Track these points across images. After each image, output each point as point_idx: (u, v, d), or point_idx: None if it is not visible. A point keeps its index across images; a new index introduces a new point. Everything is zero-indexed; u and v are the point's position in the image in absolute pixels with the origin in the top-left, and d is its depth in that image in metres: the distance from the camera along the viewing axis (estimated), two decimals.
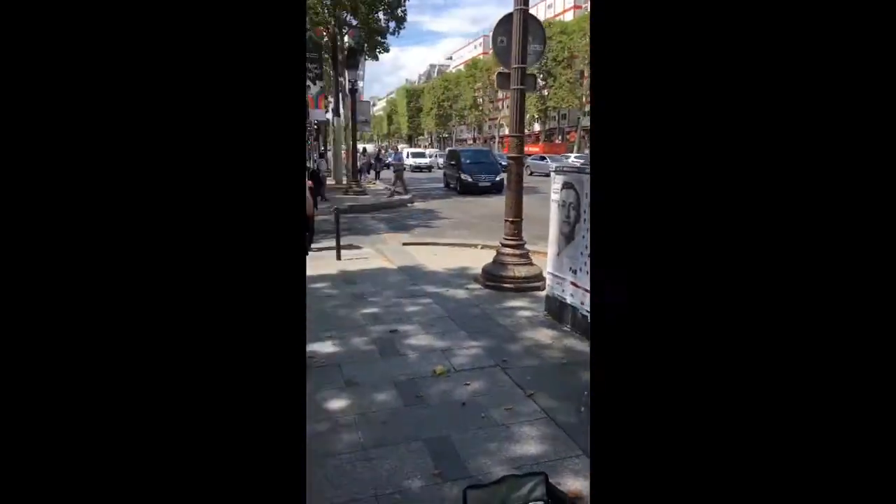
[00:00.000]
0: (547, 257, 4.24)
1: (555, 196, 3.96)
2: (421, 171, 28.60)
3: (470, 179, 15.49)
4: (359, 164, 16.73)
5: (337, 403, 2.71)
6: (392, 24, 16.75)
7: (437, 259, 6.18)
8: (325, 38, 17.37)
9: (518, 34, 4.55)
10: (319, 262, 5.88)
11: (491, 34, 5.12)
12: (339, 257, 6.11)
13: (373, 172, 21.75)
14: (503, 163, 13.81)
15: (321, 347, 3.44)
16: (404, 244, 7.21)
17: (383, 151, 27.37)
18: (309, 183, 5.07)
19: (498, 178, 14.84)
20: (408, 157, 31.14)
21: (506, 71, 4.88)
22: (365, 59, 18.36)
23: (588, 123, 40.10)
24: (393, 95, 79.86)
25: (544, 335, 3.66)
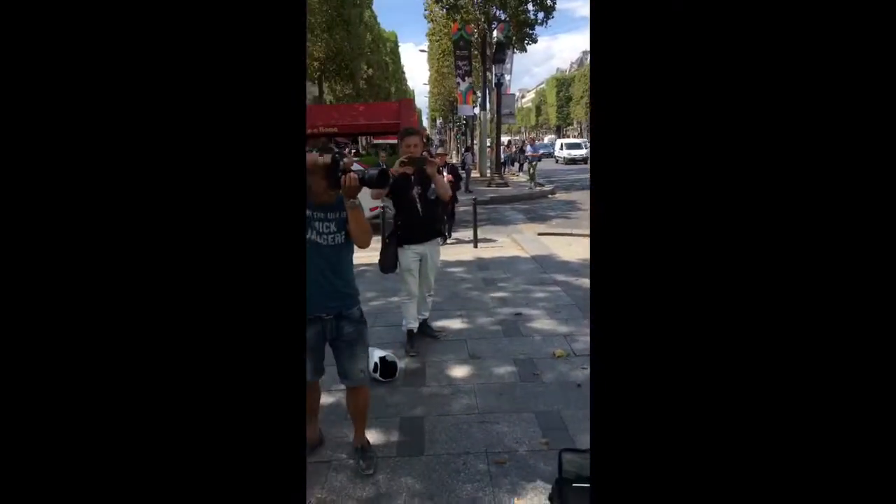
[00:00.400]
0: None
1: None
2: (575, 164, 25.47)
3: None
4: (502, 156, 17.01)
5: (459, 372, 2.98)
6: (541, 15, 16.64)
7: (570, 249, 6.17)
8: (476, 35, 17.92)
9: None
10: (457, 249, 6.27)
11: None
12: (475, 245, 6.44)
13: (516, 164, 21.90)
14: None
15: (450, 324, 3.76)
16: (539, 234, 7.29)
17: (526, 144, 27.26)
18: (448, 177, 5.45)
19: None
20: (561, 148, 28.25)
21: None
22: (513, 52, 18.53)
23: None
24: (542, 86, 78.68)
25: None
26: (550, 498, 1.72)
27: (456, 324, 3.77)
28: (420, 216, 3.19)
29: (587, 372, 2.93)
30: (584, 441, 2.25)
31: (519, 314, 3.90)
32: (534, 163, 15.51)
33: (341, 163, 1.82)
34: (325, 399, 2.55)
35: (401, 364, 3.02)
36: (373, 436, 2.32)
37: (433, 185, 3.17)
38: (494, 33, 17.25)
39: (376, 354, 2.87)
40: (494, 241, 7.04)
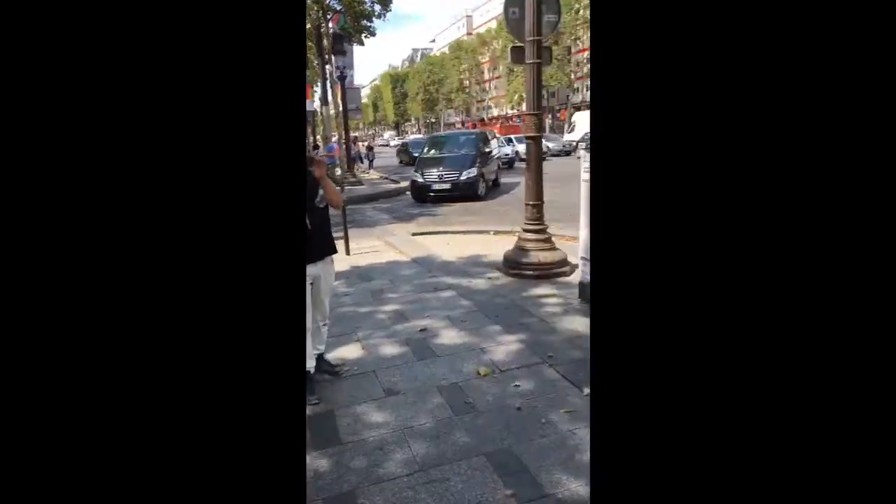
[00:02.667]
0: (578, 241, 4.00)
1: (585, 175, 3.70)
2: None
3: (421, 180, 10.48)
4: (352, 153, 16.33)
5: (379, 417, 2.46)
6: (378, 8, 16.24)
7: (450, 248, 5.92)
8: (308, 25, 16.81)
9: (532, 4, 4.24)
10: None
11: (503, 5, 4.79)
12: (348, 252, 5.82)
13: (366, 161, 21.38)
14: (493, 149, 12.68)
15: (349, 352, 3.19)
16: (413, 234, 6.92)
17: (372, 140, 26.66)
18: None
19: (464, 177, 10.14)
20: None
21: (519, 45, 4.58)
22: (352, 45, 17.84)
23: (577, 100, 39.65)
24: (377, 82, 78.79)
25: (582, 324, 3.43)
26: None
27: (355, 351, 3.21)
28: (308, 229, 2.56)
29: (520, 389, 2.63)
30: (552, 481, 1.92)
31: (424, 329, 3.48)
32: (330, 164, 12.13)
33: None
34: None
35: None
36: None
37: (321, 191, 2.57)
38: (330, 24, 16.40)
39: None
40: (369, 240, 6.49)
